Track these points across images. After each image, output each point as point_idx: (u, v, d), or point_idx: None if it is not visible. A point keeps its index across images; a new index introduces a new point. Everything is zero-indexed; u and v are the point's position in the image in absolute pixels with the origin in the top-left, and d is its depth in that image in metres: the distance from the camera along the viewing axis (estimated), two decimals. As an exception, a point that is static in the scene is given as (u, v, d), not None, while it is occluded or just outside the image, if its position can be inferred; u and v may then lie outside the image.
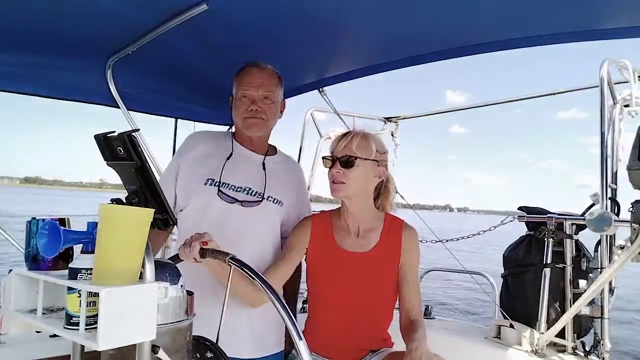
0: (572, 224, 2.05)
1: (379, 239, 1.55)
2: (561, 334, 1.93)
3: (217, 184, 1.57)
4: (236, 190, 1.59)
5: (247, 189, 1.61)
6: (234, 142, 1.69)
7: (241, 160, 1.66)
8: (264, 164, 1.68)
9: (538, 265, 2.05)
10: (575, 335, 1.96)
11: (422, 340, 1.31)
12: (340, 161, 1.50)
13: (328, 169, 1.53)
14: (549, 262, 2.02)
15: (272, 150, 1.76)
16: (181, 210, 1.62)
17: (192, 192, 1.59)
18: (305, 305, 2.49)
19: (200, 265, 1.29)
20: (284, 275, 1.54)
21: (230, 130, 1.78)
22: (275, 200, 1.65)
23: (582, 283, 1.98)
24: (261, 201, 1.60)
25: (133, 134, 0.91)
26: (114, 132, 0.94)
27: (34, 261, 1.02)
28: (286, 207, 1.69)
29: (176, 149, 2.79)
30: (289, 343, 1.68)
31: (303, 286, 1.88)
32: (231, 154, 1.64)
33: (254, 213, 1.59)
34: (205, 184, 1.58)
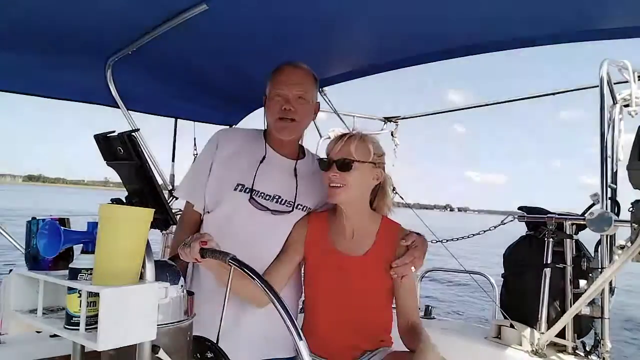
0: (572, 224, 2.05)
1: (374, 243, 1.53)
2: (561, 334, 1.93)
3: (248, 190, 1.53)
4: (266, 199, 1.56)
5: (277, 197, 1.57)
6: (266, 145, 1.63)
7: (273, 165, 1.60)
8: (295, 169, 1.63)
9: (538, 265, 2.05)
10: (576, 335, 1.96)
11: (429, 342, 1.29)
12: (337, 164, 1.46)
13: (323, 171, 1.51)
14: (549, 262, 2.02)
15: (302, 153, 1.71)
16: (208, 212, 1.58)
17: (221, 197, 1.55)
18: (304, 305, 2.49)
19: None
20: (284, 274, 1.54)
21: (261, 130, 1.71)
22: (304, 208, 1.61)
23: (582, 283, 1.98)
24: (292, 210, 1.57)
25: (133, 134, 0.91)
26: (114, 132, 0.94)
27: (34, 261, 1.02)
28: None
29: (176, 149, 2.80)
30: None
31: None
32: (264, 158, 1.59)
33: (282, 221, 1.56)
34: (236, 189, 1.54)
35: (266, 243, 1.54)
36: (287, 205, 1.57)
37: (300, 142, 1.72)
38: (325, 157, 1.52)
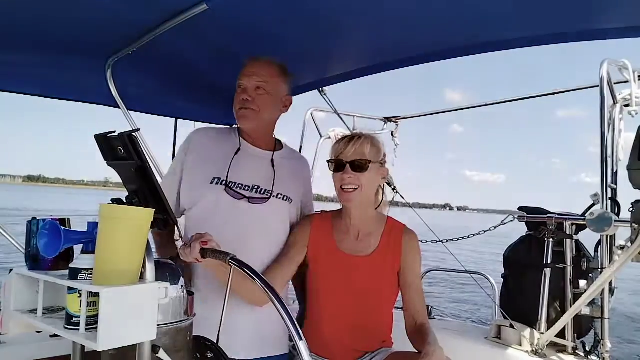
0: (572, 224, 2.05)
1: (379, 243, 1.54)
2: (561, 334, 1.93)
3: (223, 182, 1.54)
4: (245, 190, 1.57)
5: (256, 187, 1.58)
6: (240, 139, 1.65)
7: (248, 157, 1.62)
8: (272, 160, 1.64)
9: (538, 266, 2.05)
10: (576, 335, 1.96)
11: (436, 344, 1.30)
12: (352, 165, 1.47)
13: (334, 172, 1.51)
14: (549, 262, 2.02)
15: (279, 145, 1.73)
16: (185, 211, 1.59)
17: (198, 193, 1.55)
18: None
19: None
20: (286, 274, 1.54)
21: (235, 127, 1.73)
22: (285, 197, 1.62)
23: (583, 283, 1.98)
24: (269, 198, 1.58)
25: (133, 134, 0.91)
26: (114, 132, 0.94)
27: (35, 261, 1.02)
28: (295, 203, 1.66)
29: (176, 149, 2.80)
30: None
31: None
32: (239, 150, 1.61)
33: (262, 210, 1.56)
34: (212, 182, 1.54)
35: (247, 232, 1.54)
36: (265, 194, 1.58)
37: (274, 135, 1.73)
38: (334, 159, 1.52)
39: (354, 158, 1.47)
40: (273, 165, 1.63)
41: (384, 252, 1.53)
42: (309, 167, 1.88)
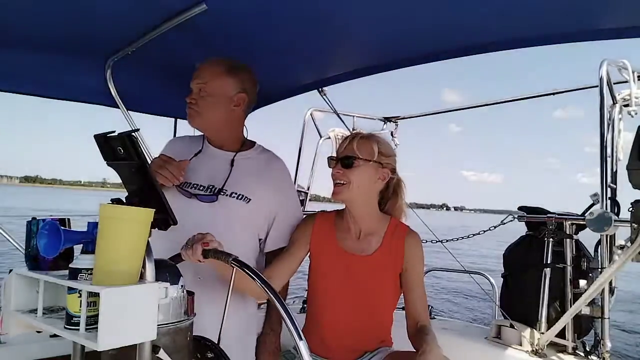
0: (572, 224, 2.05)
1: (381, 243, 1.54)
2: (561, 334, 1.94)
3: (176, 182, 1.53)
4: (198, 188, 1.56)
5: (211, 187, 1.57)
6: (204, 141, 1.67)
7: (207, 158, 1.63)
8: (232, 160, 1.62)
9: (538, 265, 2.05)
10: (576, 335, 1.97)
11: (434, 343, 1.30)
12: (341, 161, 1.51)
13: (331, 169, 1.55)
14: (549, 262, 2.02)
15: (248, 146, 1.69)
16: None
17: None
18: (305, 305, 2.49)
19: (200, 265, 1.29)
20: (287, 271, 1.54)
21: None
22: (240, 196, 1.56)
23: (582, 283, 1.98)
24: (217, 196, 1.54)
25: (133, 134, 0.91)
26: (114, 132, 0.94)
27: (34, 261, 1.02)
28: (258, 203, 1.58)
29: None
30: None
31: (304, 285, 1.87)
32: (199, 152, 1.64)
33: (213, 208, 1.53)
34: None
35: (197, 230, 1.44)
36: (215, 192, 1.56)
37: (242, 135, 1.70)
38: (331, 156, 1.57)
39: (343, 154, 1.51)
40: (232, 165, 1.61)
41: (386, 253, 1.52)
42: (283, 168, 1.76)
